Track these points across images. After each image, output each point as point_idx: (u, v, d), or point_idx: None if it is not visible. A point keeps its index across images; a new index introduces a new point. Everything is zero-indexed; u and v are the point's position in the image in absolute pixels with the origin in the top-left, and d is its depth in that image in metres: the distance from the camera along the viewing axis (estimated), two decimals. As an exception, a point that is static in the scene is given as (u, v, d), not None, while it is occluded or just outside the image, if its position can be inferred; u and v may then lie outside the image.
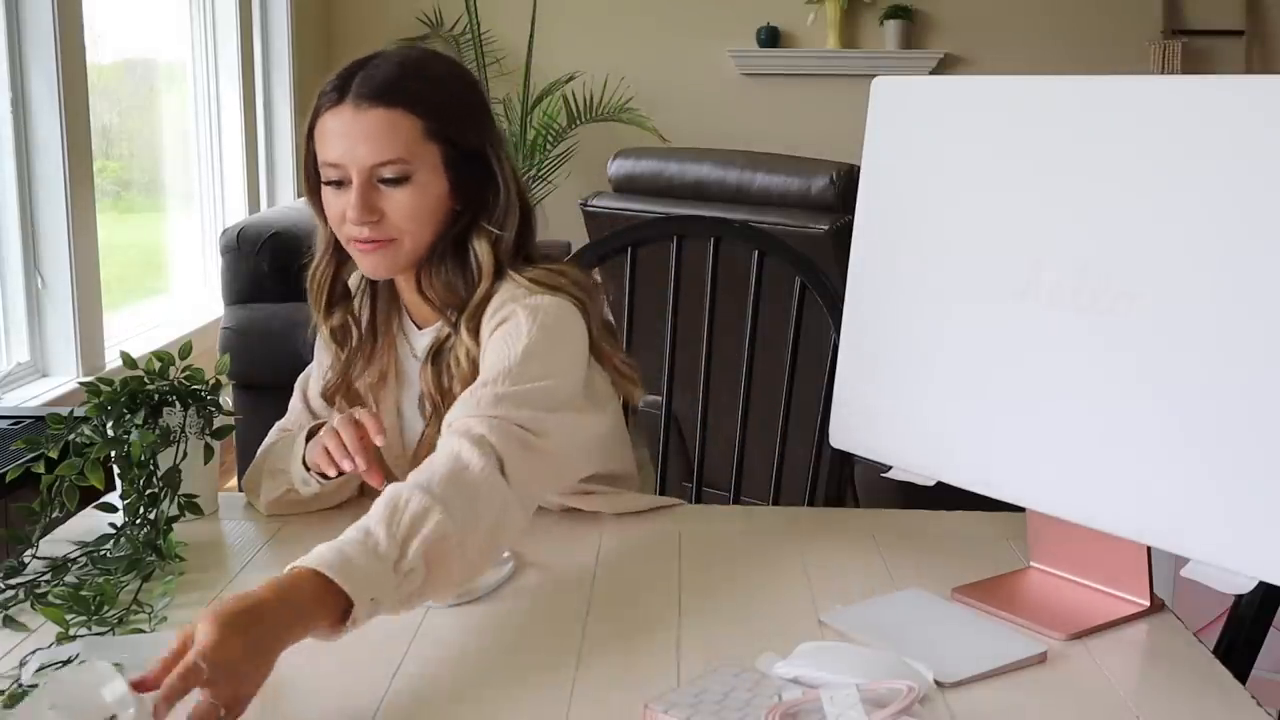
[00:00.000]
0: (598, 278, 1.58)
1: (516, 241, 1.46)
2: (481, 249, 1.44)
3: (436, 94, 1.42)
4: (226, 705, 0.96)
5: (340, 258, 1.51)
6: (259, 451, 1.54)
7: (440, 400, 1.46)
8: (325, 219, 1.47)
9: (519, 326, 1.38)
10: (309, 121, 1.44)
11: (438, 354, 1.46)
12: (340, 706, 1.06)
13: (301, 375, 1.62)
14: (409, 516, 1.13)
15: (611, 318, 1.54)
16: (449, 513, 1.15)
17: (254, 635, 0.99)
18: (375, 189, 1.40)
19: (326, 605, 1.05)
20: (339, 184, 1.41)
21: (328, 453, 1.39)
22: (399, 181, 1.39)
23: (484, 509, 1.20)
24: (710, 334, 1.88)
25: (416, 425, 1.53)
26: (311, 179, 1.46)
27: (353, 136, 1.38)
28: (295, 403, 1.61)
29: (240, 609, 0.99)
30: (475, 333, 1.43)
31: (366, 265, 1.45)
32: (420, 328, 1.52)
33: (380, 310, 1.55)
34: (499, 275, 1.45)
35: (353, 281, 1.56)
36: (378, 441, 1.37)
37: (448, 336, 1.46)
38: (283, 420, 1.61)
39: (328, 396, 1.55)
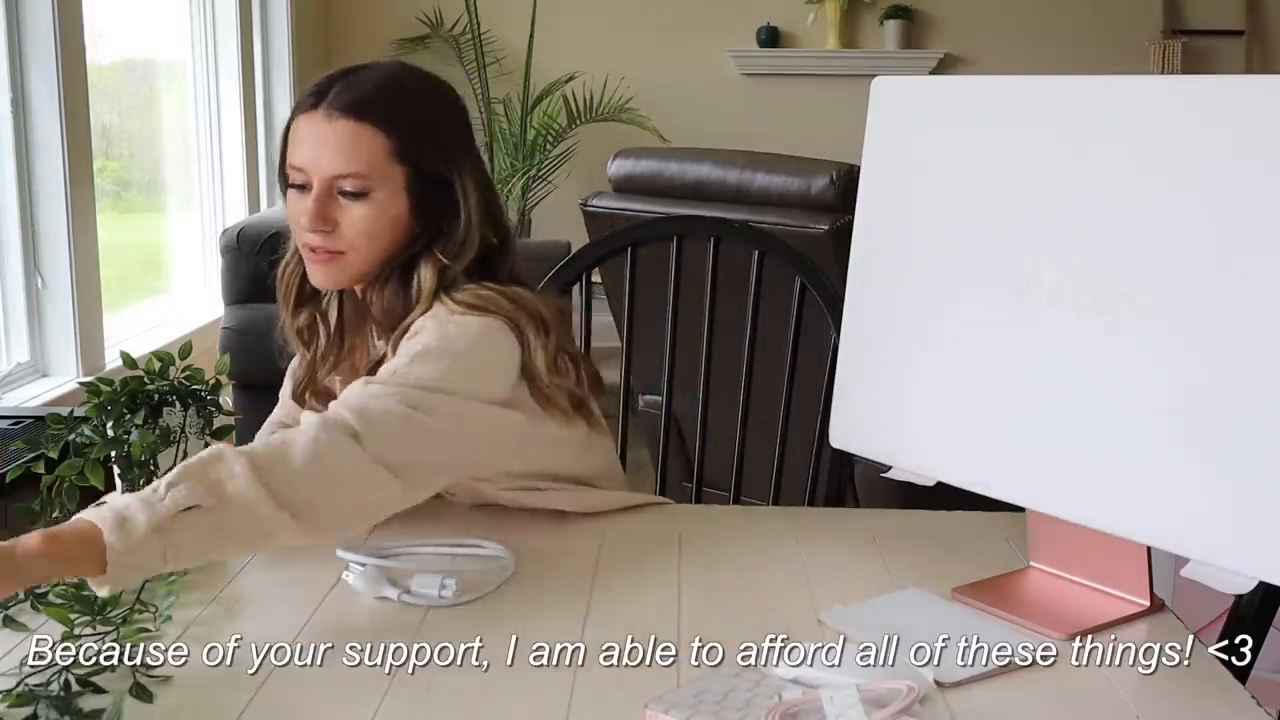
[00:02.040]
0: (564, 308, 1.55)
1: (478, 270, 1.44)
2: (426, 274, 1.43)
3: (411, 116, 1.42)
4: None
5: None
6: None
7: None
8: None
9: (420, 338, 1.38)
10: (288, 122, 1.45)
11: (374, 371, 1.44)
12: (340, 706, 1.06)
13: (290, 366, 1.63)
14: (193, 459, 1.17)
15: (576, 345, 1.53)
16: (244, 453, 1.17)
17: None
18: (333, 199, 1.40)
19: (86, 540, 1.08)
20: (301, 188, 1.42)
21: None
22: (357, 196, 1.39)
23: (312, 460, 1.20)
24: (710, 334, 1.88)
25: None
26: (284, 178, 1.47)
27: (319, 145, 1.39)
28: (284, 396, 1.62)
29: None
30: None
31: (315, 275, 1.46)
32: (380, 339, 1.51)
33: (348, 313, 1.55)
34: (435, 298, 1.43)
35: None
36: None
37: (384, 355, 1.44)
38: (273, 415, 1.62)
39: (298, 396, 1.56)
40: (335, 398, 1.52)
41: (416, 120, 1.42)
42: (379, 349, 1.48)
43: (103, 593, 1.11)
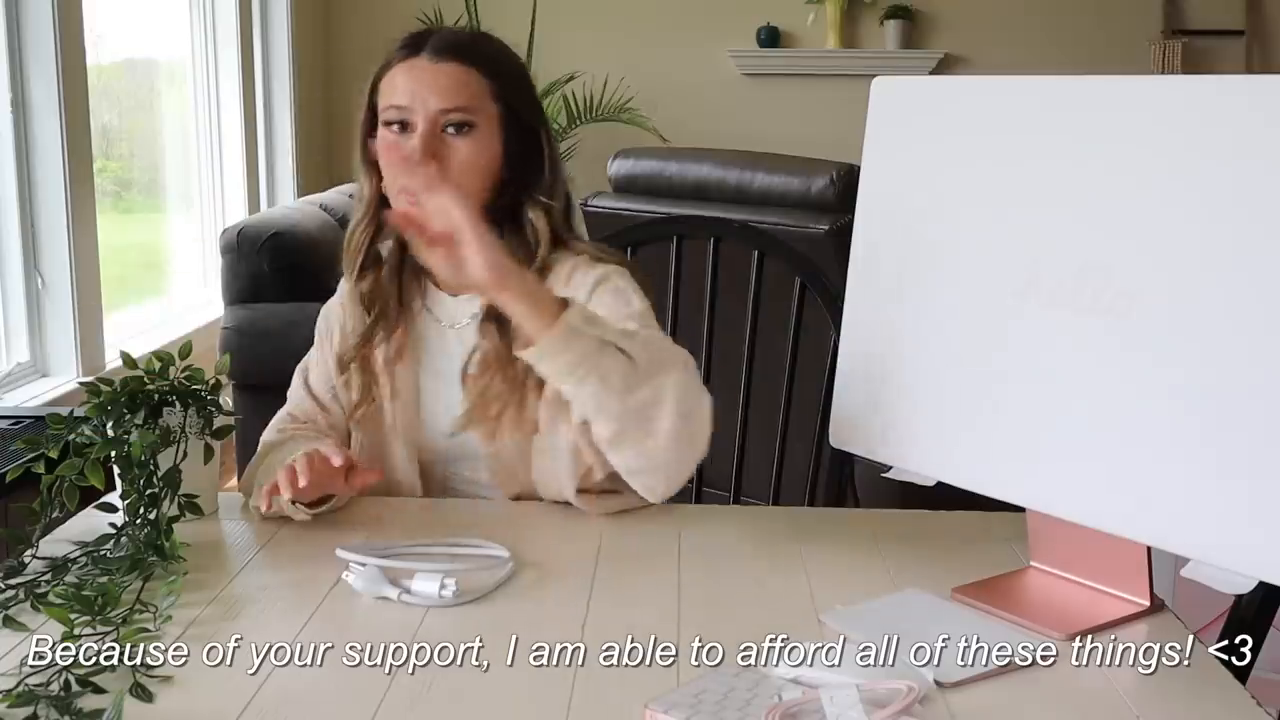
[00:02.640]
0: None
1: (564, 217, 1.53)
2: (538, 220, 1.50)
3: (505, 63, 1.52)
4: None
5: (381, 220, 1.53)
6: (259, 447, 1.56)
7: (504, 356, 1.46)
8: (371, 177, 1.51)
9: (624, 291, 1.48)
10: (373, 76, 1.50)
11: (499, 315, 1.46)
12: (340, 706, 1.06)
13: (302, 362, 1.63)
14: (668, 344, 1.37)
15: None
16: (690, 375, 1.34)
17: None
18: (439, 137, 1.45)
19: (555, 305, 1.27)
20: (402, 126, 1.46)
21: (275, 490, 1.38)
22: (462, 131, 1.45)
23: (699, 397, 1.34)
24: (710, 334, 1.88)
25: (440, 395, 1.55)
26: (364, 135, 1.51)
27: (425, 85, 1.45)
28: (296, 390, 1.62)
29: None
30: None
31: None
32: (454, 295, 1.55)
33: (405, 282, 1.57)
34: (556, 244, 1.51)
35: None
36: (335, 462, 1.39)
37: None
38: (285, 407, 1.62)
39: (344, 361, 1.56)
40: (374, 370, 1.55)
41: (509, 68, 1.52)
42: (457, 307, 1.54)
43: (529, 356, 1.27)
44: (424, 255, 1.48)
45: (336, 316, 1.61)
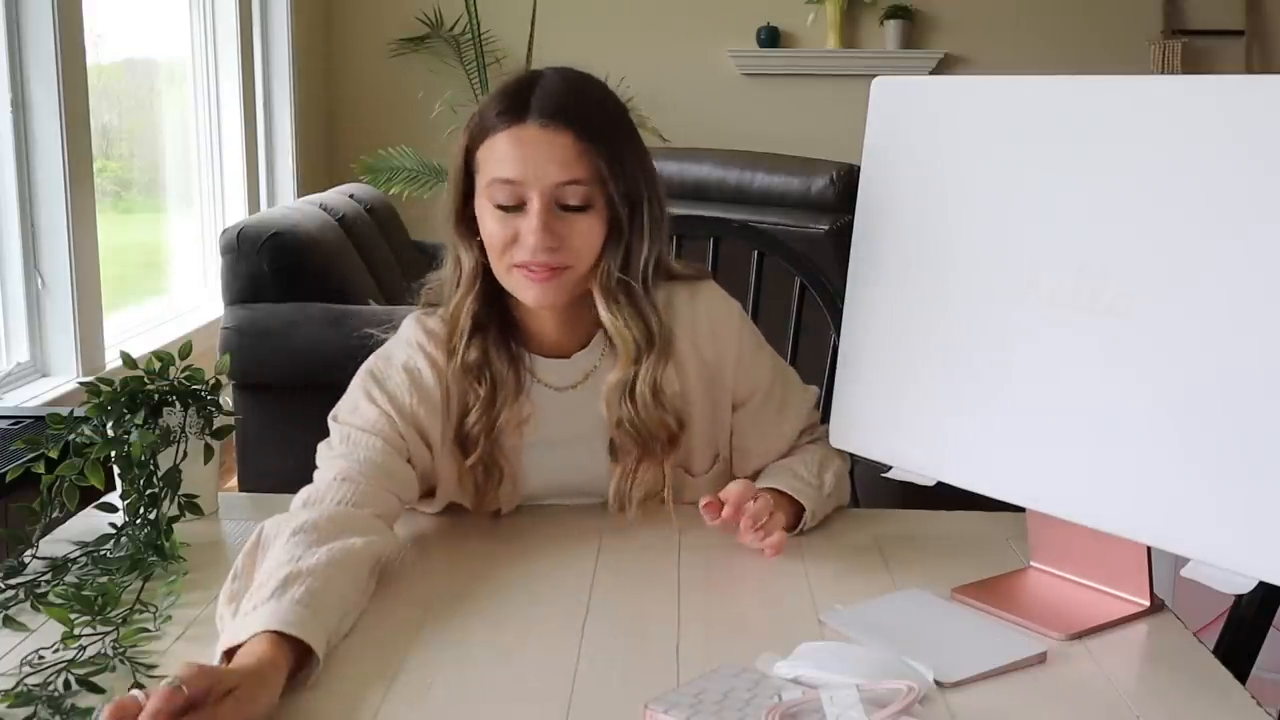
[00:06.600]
0: None
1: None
2: (647, 275, 1.43)
3: (612, 129, 1.39)
4: None
5: (488, 291, 1.42)
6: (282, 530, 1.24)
7: (643, 432, 1.43)
8: (470, 247, 1.41)
9: (758, 333, 1.57)
10: (467, 143, 1.39)
11: (631, 387, 1.42)
12: (340, 706, 1.06)
13: (348, 420, 1.40)
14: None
15: None
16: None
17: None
18: (554, 213, 1.35)
19: None
20: (511, 208, 1.35)
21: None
22: (580, 208, 1.35)
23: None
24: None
25: (550, 462, 1.48)
26: (461, 206, 1.41)
27: (539, 156, 1.33)
28: (370, 416, 1.39)
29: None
30: (665, 357, 1.43)
31: (533, 295, 1.38)
32: (563, 358, 1.47)
33: (505, 352, 1.45)
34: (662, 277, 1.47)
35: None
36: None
37: (636, 367, 1.42)
38: (327, 476, 1.35)
39: (471, 439, 1.42)
40: (502, 453, 1.43)
41: (615, 133, 1.39)
42: (559, 370, 1.46)
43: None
44: (530, 320, 1.43)
45: (404, 383, 1.42)
